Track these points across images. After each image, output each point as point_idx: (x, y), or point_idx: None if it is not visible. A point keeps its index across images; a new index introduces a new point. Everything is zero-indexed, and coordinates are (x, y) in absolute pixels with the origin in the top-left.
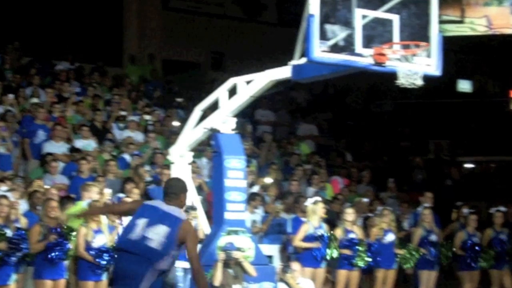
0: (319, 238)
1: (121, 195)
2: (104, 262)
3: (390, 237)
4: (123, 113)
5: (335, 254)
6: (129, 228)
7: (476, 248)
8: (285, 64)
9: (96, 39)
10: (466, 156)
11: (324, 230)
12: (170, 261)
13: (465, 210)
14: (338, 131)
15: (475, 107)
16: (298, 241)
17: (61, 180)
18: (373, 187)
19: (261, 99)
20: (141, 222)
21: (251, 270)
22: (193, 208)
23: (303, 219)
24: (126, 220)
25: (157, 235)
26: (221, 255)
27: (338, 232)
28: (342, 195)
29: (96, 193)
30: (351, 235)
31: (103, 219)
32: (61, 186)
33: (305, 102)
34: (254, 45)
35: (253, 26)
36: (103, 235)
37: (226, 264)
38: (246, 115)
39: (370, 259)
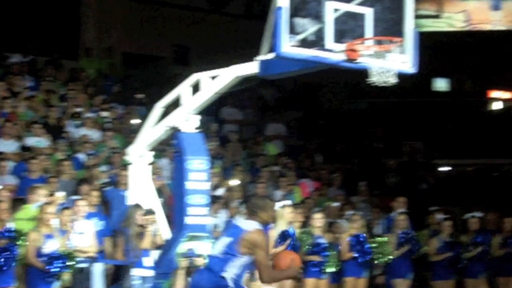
0: (287, 237)
1: (74, 197)
2: (56, 270)
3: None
4: (78, 109)
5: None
6: None
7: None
8: (253, 59)
9: (51, 30)
10: (442, 159)
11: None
12: (237, 268)
13: (439, 216)
14: (308, 131)
15: (451, 107)
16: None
17: (10, 180)
18: (344, 190)
19: (227, 96)
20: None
21: None
22: (152, 211)
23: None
24: (79, 224)
25: (220, 245)
26: (183, 262)
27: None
28: (311, 199)
29: (44, 196)
30: (321, 241)
31: (54, 222)
32: (9, 187)
33: (273, 100)
34: (220, 39)
35: (219, 18)
36: (54, 240)
37: (188, 272)
38: (210, 113)
39: (339, 263)
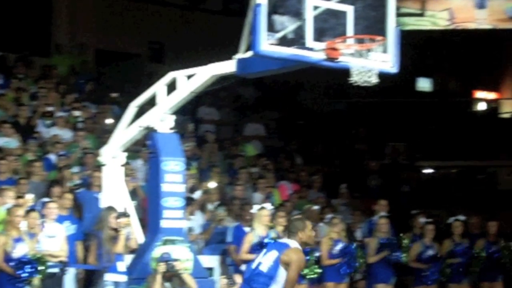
0: (263, 246)
1: (45, 199)
2: (26, 275)
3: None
4: (50, 108)
5: None
6: None
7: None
8: (230, 57)
9: (22, 26)
10: (425, 160)
11: (270, 239)
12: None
13: (421, 220)
14: (288, 131)
15: (435, 107)
16: (244, 254)
17: None
18: (324, 193)
19: (204, 96)
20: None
21: (192, 283)
22: (125, 214)
23: (245, 228)
24: (49, 227)
25: (267, 260)
26: (161, 267)
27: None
28: (290, 201)
29: (13, 198)
30: None
31: (23, 225)
32: None
33: (252, 100)
34: (197, 36)
35: (196, 14)
36: (24, 244)
37: (166, 277)
38: (187, 112)
39: (320, 270)
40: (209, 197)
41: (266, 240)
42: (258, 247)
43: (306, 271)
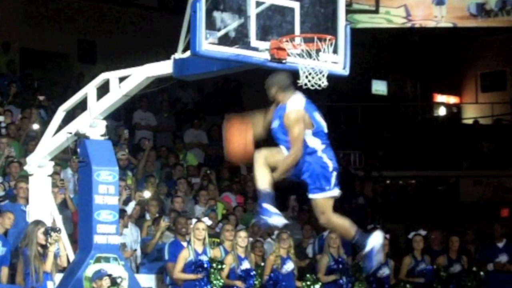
0: (199, 267)
1: None
2: None
3: (289, 266)
4: None
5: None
6: None
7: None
8: (167, 56)
9: None
10: (381, 170)
11: (208, 256)
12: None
13: None
14: None
15: (391, 112)
16: (177, 272)
17: None
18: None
19: (140, 99)
20: None
21: None
22: (54, 229)
23: (183, 243)
24: None
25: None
26: (105, 281)
27: (229, 259)
28: (234, 215)
29: None
30: (245, 264)
31: None
32: None
33: (192, 103)
34: (131, 34)
35: (131, 11)
36: None
37: None
38: (120, 117)
39: None
40: (145, 209)
41: (203, 258)
42: (194, 265)
43: None
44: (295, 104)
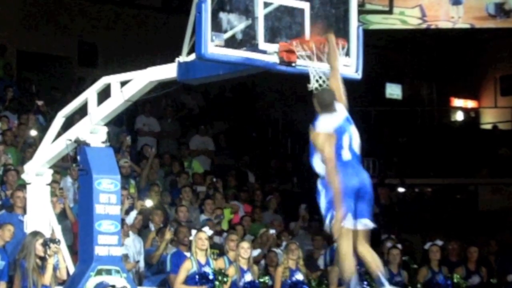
0: (204, 278)
1: None
2: None
3: (299, 278)
4: None
5: None
6: None
7: None
8: (171, 59)
9: None
10: (397, 178)
11: (211, 267)
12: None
13: (388, 244)
14: (239, 145)
15: (406, 117)
16: (179, 284)
17: None
18: (281, 215)
19: (143, 104)
20: None
21: None
22: (54, 240)
23: (186, 254)
24: None
25: None
26: None
27: (231, 271)
28: (241, 225)
29: None
30: (248, 276)
31: None
32: None
33: (197, 109)
34: (133, 36)
35: (133, 12)
36: None
37: None
38: (122, 123)
39: None
40: (148, 219)
41: (206, 269)
42: (199, 277)
43: None
44: (321, 126)
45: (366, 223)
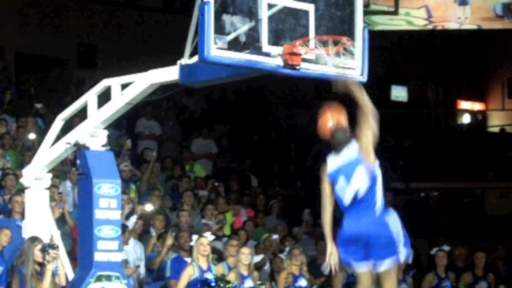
0: (206, 284)
1: None
2: None
3: (302, 284)
4: None
5: None
6: None
7: None
8: (173, 62)
9: None
10: (401, 182)
11: (213, 273)
12: None
13: None
14: (242, 148)
15: (411, 120)
16: None
17: None
18: (284, 220)
19: (144, 107)
20: None
21: None
22: (53, 246)
23: (187, 259)
24: None
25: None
26: None
27: (231, 277)
28: (244, 230)
29: None
30: (248, 283)
31: None
32: None
33: (199, 111)
34: (134, 38)
35: (133, 13)
36: None
37: None
38: (123, 126)
39: None
40: (148, 223)
41: (208, 276)
42: (200, 283)
43: None
44: (327, 162)
45: (388, 263)
